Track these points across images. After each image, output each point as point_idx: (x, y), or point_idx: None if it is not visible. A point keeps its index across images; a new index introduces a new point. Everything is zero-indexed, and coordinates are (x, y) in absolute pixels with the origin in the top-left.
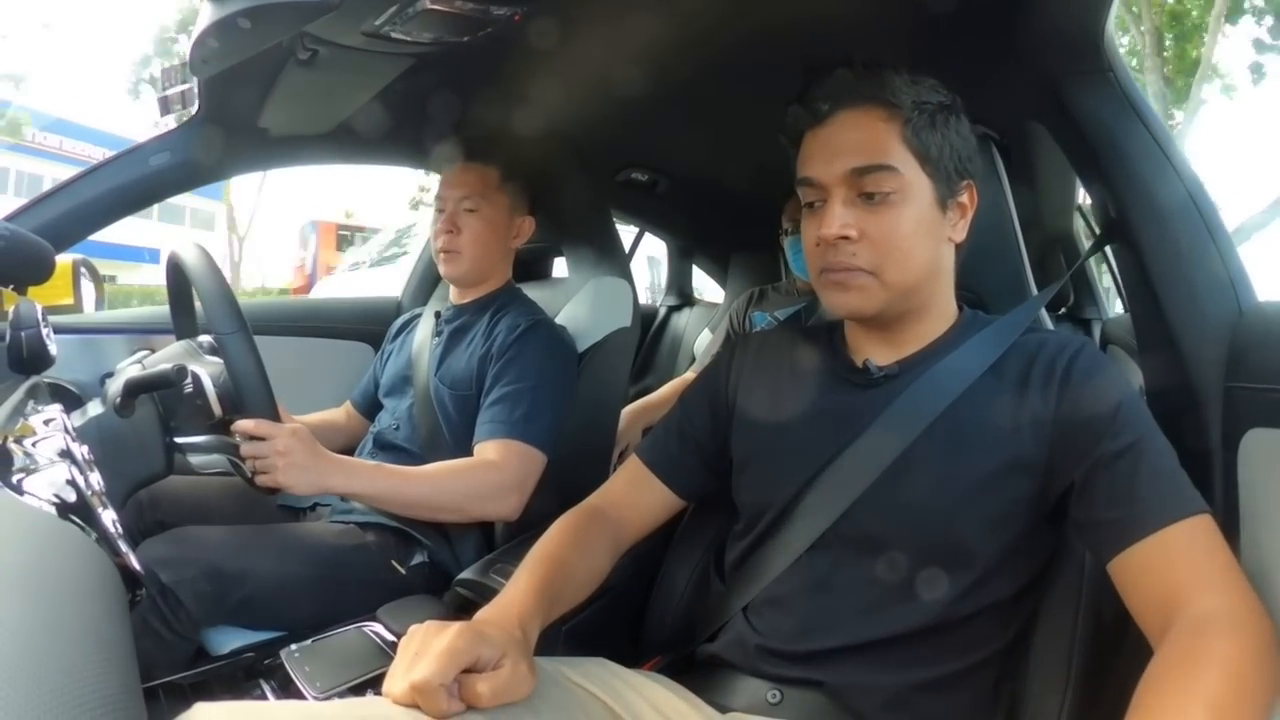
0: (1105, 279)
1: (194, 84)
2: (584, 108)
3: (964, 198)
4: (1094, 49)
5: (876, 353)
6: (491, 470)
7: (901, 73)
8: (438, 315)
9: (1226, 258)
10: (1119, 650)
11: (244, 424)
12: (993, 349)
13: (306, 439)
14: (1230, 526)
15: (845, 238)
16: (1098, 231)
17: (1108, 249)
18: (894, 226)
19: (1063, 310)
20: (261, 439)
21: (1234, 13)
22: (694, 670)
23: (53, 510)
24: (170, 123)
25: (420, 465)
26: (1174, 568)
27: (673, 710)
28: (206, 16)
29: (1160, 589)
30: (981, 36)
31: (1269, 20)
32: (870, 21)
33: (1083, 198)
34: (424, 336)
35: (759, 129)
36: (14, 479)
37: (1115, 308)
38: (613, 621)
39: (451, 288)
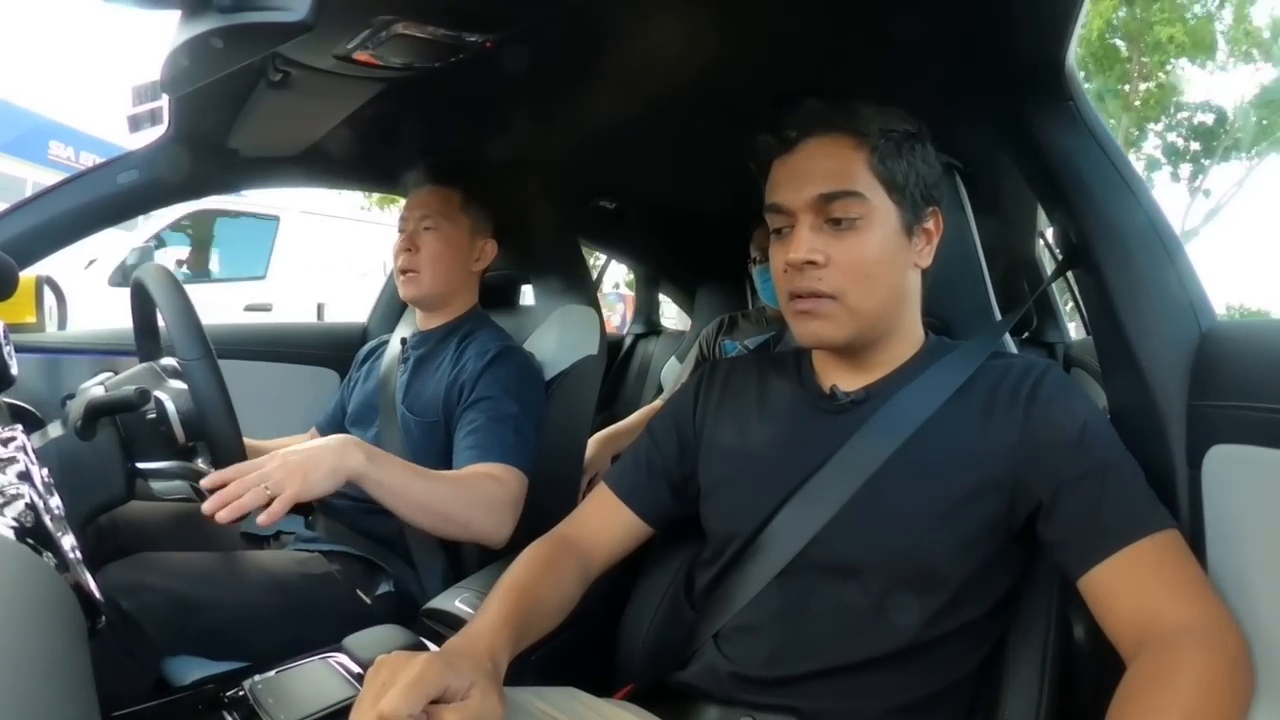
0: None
1: (164, 102)
2: (553, 136)
3: (930, 224)
4: (1056, 79)
5: (843, 379)
6: (498, 485)
7: (869, 103)
8: (404, 342)
9: (1186, 280)
10: (1092, 665)
11: (218, 476)
12: (959, 374)
13: (293, 448)
14: (1197, 542)
15: (812, 263)
16: (1060, 257)
17: (1070, 273)
18: (860, 252)
19: (1026, 334)
20: (255, 479)
21: (1142, 138)
22: (666, 698)
23: (10, 534)
24: None
25: None
26: (1144, 583)
27: None
28: (178, 35)
29: (1131, 605)
30: (945, 67)
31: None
32: (837, 53)
33: (1045, 224)
34: (390, 363)
35: (727, 159)
36: None
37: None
38: (583, 650)
39: (418, 313)
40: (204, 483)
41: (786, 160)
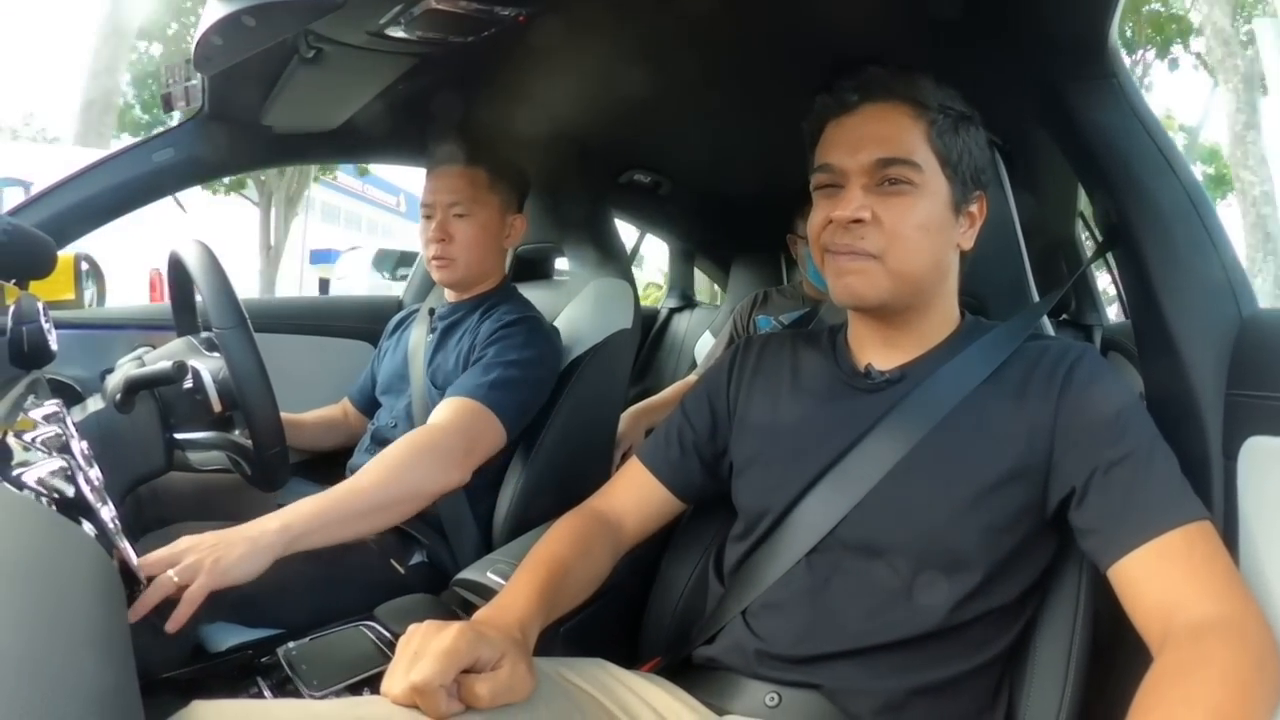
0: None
1: (198, 81)
2: (587, 109)
3: (975, 207)
4: (1097, 55)
5: (878, 357)
6: (434, 435)
7: (928, 76)
8: (432, 312)
9: (1227, 264)
10: (1117, 656)
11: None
12: (994, 355)
13: (203, 533)
14: (1230, 534)
15: (859, 220)
16: (1099, 237)
17: (1109, 255)
18: (906, 215)
19: (1064, 316)
20: (163, 567)
21: None
22: (692, 673)
23: (52, 506)
24: None
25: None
26: (1172, 575)
27: (670, 712)
28: (211, 14)
29: (1159, 596)
30: (984, 42)
31: None
32: (875, 27)
33: (1084, 203)
34: (419, 334)
35: (762, 132)
36: (13, 474)
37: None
38: (611, 623)
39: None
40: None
41: (843, 121)
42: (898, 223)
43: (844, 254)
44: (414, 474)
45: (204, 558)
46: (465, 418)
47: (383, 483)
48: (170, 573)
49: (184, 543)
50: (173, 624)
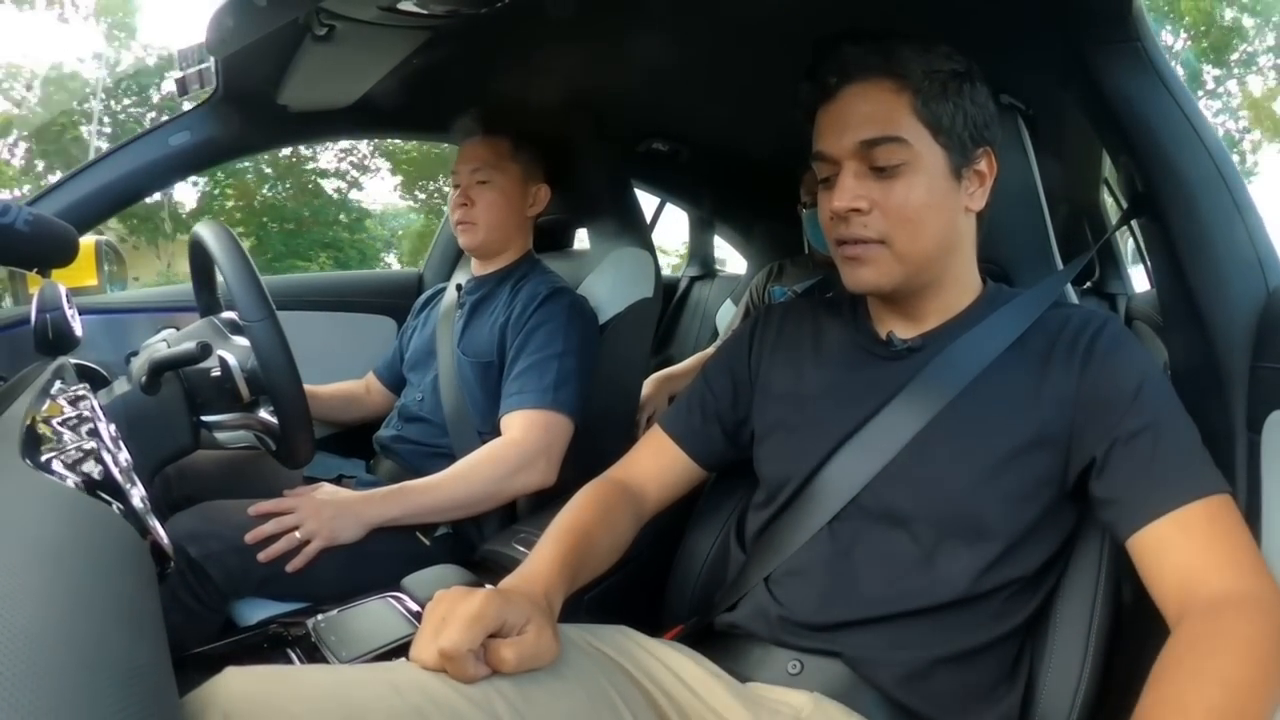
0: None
1: (211, 63)
2: (604, 78)
3: (981, 165)
4: (1122, 18)
5: (899, 325)
6: (513, 446)
7: (911, 42)
8: (459, 288)
9: (1254, 235)
10: (1137, 628)
11: (262, 507)
12: (1017, 323)
13: (326, 491)
14: (1253, 509)
15: (856, 210)
16: (1124, 205)
17: (1134, 223)
18: (904, 197)
19: (1088, 285)
20: (285, 512)
21: None
22: (714, 641)
23: (81, 488)
24: None
25: (446, 438)
26: (1191, 547)
27: (694, 679)
28: None
29: (1177, 568)
30: (1008, 4)
31: None
32: None
33: (1110, 170)
34: (447, 310)
35: (781, 98)
36: (43, 458)
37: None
38: (634, 591)
39: (473, 260)
40: (251, 510)
41: (829, 108)
42: (897, 206)
43: (852, 244)
44: (505, 481)
45: (322, 526)
46: (538, 427)
47: (475, 487)
48: (297, 532)
49: (307, 508)
50: (291, 566)
